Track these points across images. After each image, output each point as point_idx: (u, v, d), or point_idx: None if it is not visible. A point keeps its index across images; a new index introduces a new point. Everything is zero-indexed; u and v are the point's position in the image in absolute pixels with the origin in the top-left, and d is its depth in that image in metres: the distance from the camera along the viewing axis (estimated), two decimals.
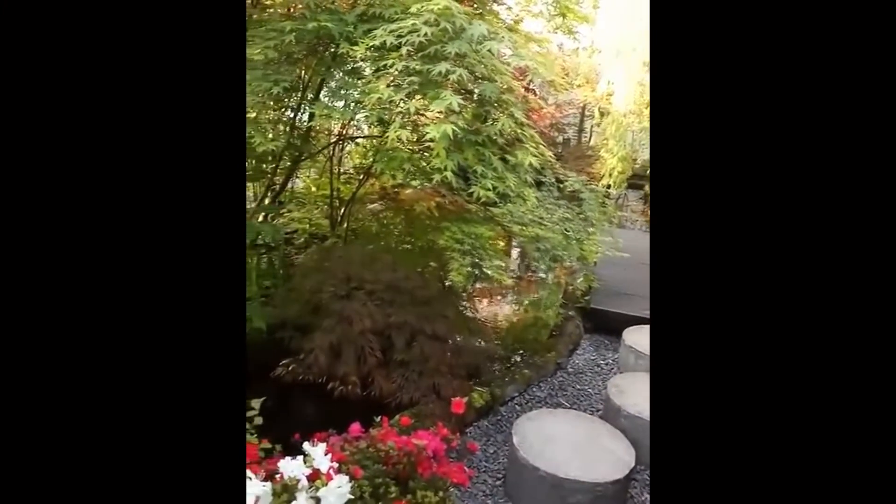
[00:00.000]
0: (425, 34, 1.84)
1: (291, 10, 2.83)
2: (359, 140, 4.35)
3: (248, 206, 4.92)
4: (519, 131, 2.20)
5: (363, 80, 2.18)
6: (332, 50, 2.64)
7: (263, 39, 2.16)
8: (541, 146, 2.41)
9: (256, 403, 1.83)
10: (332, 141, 4.11)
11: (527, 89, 3.74)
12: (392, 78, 1.97)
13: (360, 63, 2.36)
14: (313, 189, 5.01)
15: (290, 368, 2.75)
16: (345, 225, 4.31)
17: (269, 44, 2.13)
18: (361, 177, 4.17)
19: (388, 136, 2.05)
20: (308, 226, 4.62)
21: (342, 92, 2.37)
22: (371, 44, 1.96)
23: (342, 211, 4.35)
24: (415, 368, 2.76)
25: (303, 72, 2.89)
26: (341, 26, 2.14)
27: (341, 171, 4.52)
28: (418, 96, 2.00)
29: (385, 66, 1.96)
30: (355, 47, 2.03)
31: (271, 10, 3.04)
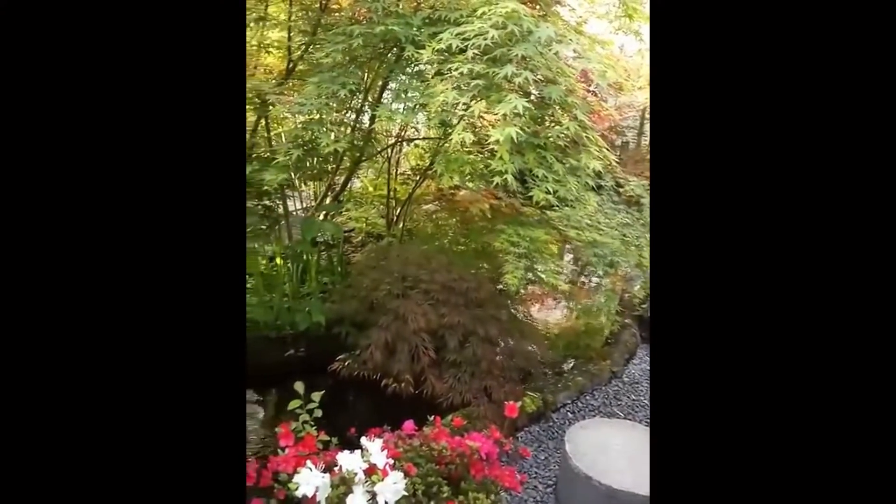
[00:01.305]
0: (492, 37, 1.85)
1: (356, 14, 2.91)
2: (417, 142, 4.40)
3: (309, 205, 5.09)
4: (584, 134, 2.17)
5: (426, 83, 2.21)
6: (397, 53, 2.69)
7: (332, 43, 2.23)
8: (604, 149, 2.37)
9: (317, 396, 1.89)
10: (391, 143, 4.18)
11: (588, 91, 3.68)
12: (456, 81, 1.99)
13: (424, 66, 2.39)
14: (370, 189, 5.11)
15: (346, 363, 2.82)
16: (400, 225, 4.38)
17: (338, 47, 2.20)
18: (418, 178, 4.22)
19: (449, 139, 2.06)
20: (365, 225, 4.72)
21: (405, 95, 2.41)
22: (437, 47, 1.99)
23: (398, 211, 4.42)
24: (467, 370, 2.77)
25: (366, 75, 2.96)
26: (407, 30, 2.17)
27: (398, 172, 4.60)
28: (481, 99, 2.01)
29: (450, 68, 1.98)
30: (421, 51, 2.06)
31: (337, 14, 3.13)
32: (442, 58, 2.06)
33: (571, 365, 3.53)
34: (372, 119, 3.28)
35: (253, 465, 1.73)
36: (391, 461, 1.68)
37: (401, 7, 2.45)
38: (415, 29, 2.18)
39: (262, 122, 3.35)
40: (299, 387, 1.89)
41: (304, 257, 3.59)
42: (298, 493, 1.52)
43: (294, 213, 4.26)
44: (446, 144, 2.92)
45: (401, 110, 2.96)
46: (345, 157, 3.38)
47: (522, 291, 3.83)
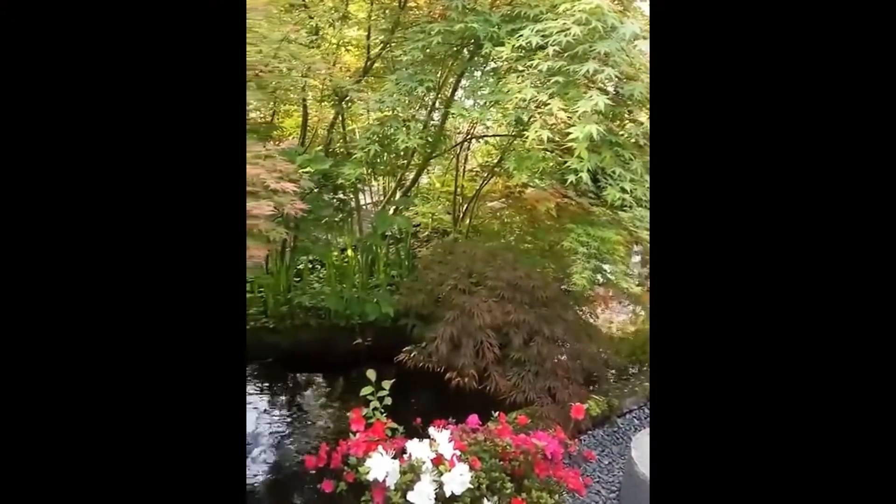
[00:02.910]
0: (574, 34, 1.82)
1: (432, 12, 2.94)
2: (485, 139, 4.41)
3: (377, 200, 5.22)
4: None
5: (501, 81, 2.21)
6: (472, 50, 2.70)
7: (412, 41, 2.28)
8: None
9: (387, 385, 1.94)
10: (462, 139, 4.21)
11: None
12: (534, 78, 1.98)
13: (499, 63, 2.39)
14: (437, 185, 5.17)
15: (411, 355, 2.88)
16: (466, 221, 4.40)
17: (417, 45, 2.24)
18: (485, 175, 4.23)
19: (525, 136, 2.06)
20: (431, 220, 4.79)
21: (480, 92, 2.42)
22: (517, 44, 1.98)
23: (464, 208, 4.45)
24: (531, 368, 2.75)
25: (440, 72, 3.00)
26: (486, 27, 2.18)
27: (465, 168, 4.63)
28: (559, 96, 1.98)
29: (529, 65, 1.97)
30: (500, 48, 2.06)
31: (415, 12, 3.18)
32: (520, 55, 2.06)
33: (637, 370, 3.43)
34: (444, 116, 3.32)
35: (323, 447, 1.81)
36: (457, 453, 1.71)
37: (478, 4, 2.46)
38: (494, 26, 2.19)
39: (339, 118, 3.47)
40: (371, 374, 1.95)
41: (375, 250, 3.69)
42: (369, 477, 1.58)
43: (363, 206, 4.38)
44: (519, 141, 2.91)
45: (473, 107, 2.98)
46: (416, 153, 3.44)
47: (589, 293, 3.76)
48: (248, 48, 2.22)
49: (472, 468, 1.69)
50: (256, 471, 2.54)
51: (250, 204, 1.59)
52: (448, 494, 1.58)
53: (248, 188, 1.71)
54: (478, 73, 2.72)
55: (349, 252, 3.81)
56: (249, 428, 2.85)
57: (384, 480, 1.59)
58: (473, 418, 2.02)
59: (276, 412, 3.03)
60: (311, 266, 4.02)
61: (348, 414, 1.87)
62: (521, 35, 1.99)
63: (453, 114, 2.52)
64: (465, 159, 4.62)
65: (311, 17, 2.97)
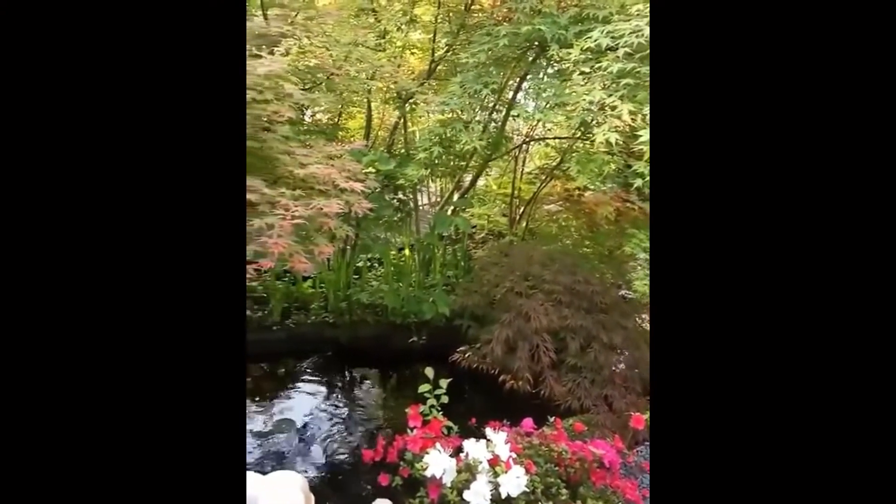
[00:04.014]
0: (646, 35, 1.78)
1: (495, 14, 2.95)
2: (544, 141, 4.37)
3: (434, 201, 5.28)
4: None
5: (569, 83, 2.19)
6: (536, 52, 2.69)
7: (477, 44, 2.29)
8: None
9: (444, 384, 1.97)
10: (522, 141, 4.19)
11: None
12: (603, 80, 1.95)
13: (567, 65, 2.37)
14: (494, 187, 5.17)
15: (466, 355, 2.90)
16: (523, 224, 4.38)
17: (483, 47, 2.25)
18: (544, 177, 4.19)
19: (591, 139, 2.03)
20: (487, 222, 4.79)
21: (544, 94, 2.40)
22: (585, 45, 1.96)
23: (522, 210, 4.43)
24: (587, 375, 2.71)
25: (504, 74, 3.00)
26: (554, 29, 2.17)
27: (523, 171, 4.60)
28: (628, 99, 1.95)
29: (597, 67, 1.94)
30: (569, 49, 2.04)
31: (479, 14, 3.20)
32: (588, 56, 2.03)
33: None
34: (505, 118, 3.32)
35: (380, 441, 1.85)
36: (513, 455, 1.70)
37: (545, 6, 2.44)
38: (562, 28, 2.17)
39: (402, 120, 3.53)
40: (429, 372, 1.98)
41: (432, 250, 3.73)
42: (427, 473, 1.60)
43: (420, 207, 4.44)
44: (583, 144, 2.86)
45: (535, 109, 2.96)
46: (475, 155, 3.46)
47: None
48: (322, 51, 2.31)
49: (527, 472, 1.69)
50: (312, 460, 2.63)
51: (322, 202, 1.65)
52: (504, 496, 1.58)
53: (320, 187, 1.78)
54: (542, 76, 2.70)
55: (406, 251, 3.88)
56: (306, 416, 2.95)
57: (441, 478, 1.60)
58: (528, 422, 2.01)
59: (333, 404, 3.12)
60: (369, 264, 4.12)
61: (406, 410, 1.91)
62: (590, 36, 1.96)
63: (516, 115, 2.51)
64: (524, 161, 4.60)
65: (378, 21, 3.04)
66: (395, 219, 3.51)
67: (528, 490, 1.65)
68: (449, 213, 3.78)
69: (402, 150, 3.64)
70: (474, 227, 4.56)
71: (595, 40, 1.93)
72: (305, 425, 2.89)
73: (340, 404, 3.13)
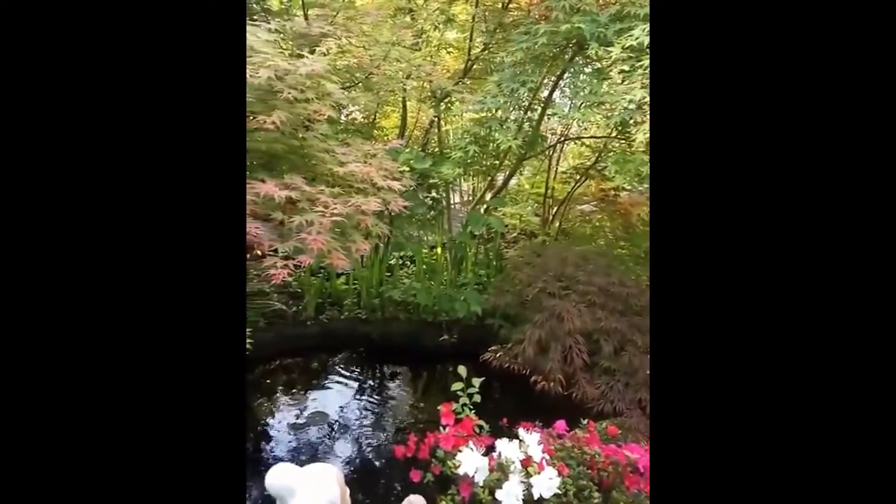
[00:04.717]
0: None
1: (531, 12, 2.93)
2: (579, 141, 4.32)
3: (467, 200, 5.28)
4: None
5: (608, 81, 2.16)
6: (574, 50, 2.66)
7: (515, 42, 2.28)
8: None
9: (477, 382, 1.97)
10: (556, 140, 4.16)
11: None
12: (643, 78, 1.91)
13: (605, 63, 2.34)
14: (527, 186, 5.14)
15: (497, 355, 2.89)
16: (556, 224, 4.34)
17: (521, 46, 2.24)
18: (579, 177, 4.14)
19: (628, 138, 2.00)
20: (519, 222, 4.77)
21: (583, 92, 2.38)
22: (626, 44, 1.93)
23: (555, 210, 4.39)
24: (621, 378, 2.67)
25: (541, 73, 2.97)
26: (593, 27, 2.14)
27: (557, 170, 4.56)
28: None
29: (639, 66, 1.91)
30: (609, 48, 2.01)
31: (516, 13, 3.18)
32: (629, 55, 2.00)
33: None
34: (540, 117, 3.30)
35: (412, 437, 1.87)
36: (546, 457, 1.69)
37: (584, 4, 2.41)
38: (602, 26, 2.14)
39: (436, 119, 3.55)
40: (462, 371, 1.98)
41: (464, 248, 3.74)
42: (459, 471, 1.61)
43: (452, 206, 4.45)
44: (620, 144, 2.82)
45: (571, 108, 2.93)
46: (509, 154, 3.44)
47: None
48: (360, 51, 2.34)
49: (559, 474, 1.67)
50: (343, 454, 2.67)
51: (360, 200, 1.67)
52: (536, 497, 1.58)
53: (358, 185, 1.80)
54: (579, 74, 2.67)
55: (438, 249, 3.89)
56: (337, 411, 2.99)
57: (473, 476, 1.61)
58: (561, 423, 1.99)
59: (364, 399, 3.16)
60: (401, 262, 4.15)
61: (438, 408, 1.92)
62: (632, 34, 1.93)
63: (553, 114, 2.49)
64: (558, 161, 4.56)
65: (414, 20, 3.06)
66: (428, 217, 3.53)
67: (560, 492, 1.63)
68: (482, 212, 3.77)
69: (436, 149, 3.65)
70: (506, 226, 4.54)
71: (636, 38, 1.90)
72: (337, 419, 2.93)
73: (371, 400, 3.17)
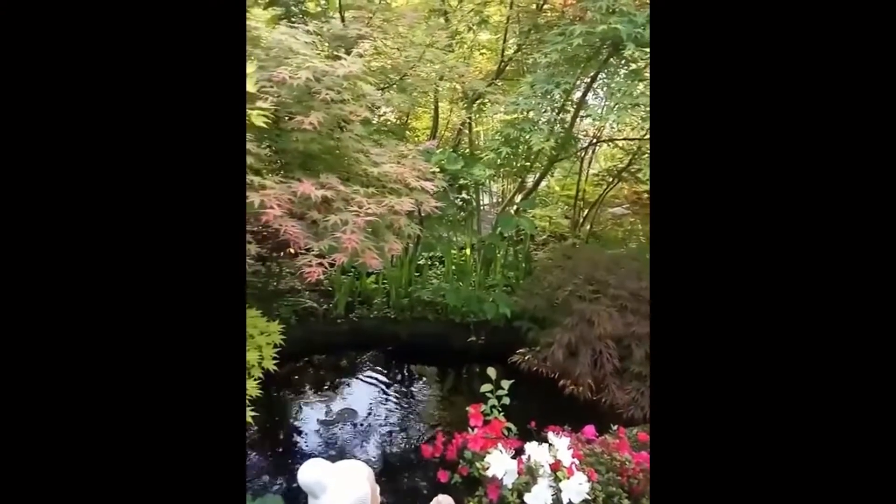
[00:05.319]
0: None
1: (565, 13, 2.90)
2: (612, 143, 4.26)
3: (496, 201, 5.26)
4: None
5: (644, 82, 2.12)
6: (609, 52, 2.63)
7: (550, 43, 2.26)
8: None
9: (506, 384, 1.96)
10: (589, 142, 4.11)
11: None
12: None
13: (642, 64, 2.30)
14: (557, 189, 5.10)
15: (525, 358, 2.88)
16: (587, 227, 4.29)
17: (556, 47, 2.22)
18: (611, 179, 4.09)
19: None
20: (548, 224, 4.74)
21: (618, 94, 2.35)
22: None
23: (585, 212, 4.34)
24: None
25: (575, 74, 2.95)
26: (630, 28, 2.11)
27: (588, 173, 4.51)
28: None
29: None
30: (645, 49, 1.98)
31: (550, 14, 3.16)
32: None
33: None
34: (573, 118, 3.27)
35: (439, 437, 1.87)
36: (575, 462, 1.68)
37: (621, 4, 2.38)
38: (639, 27, 2.11)
39: (469, 120, 3.55)
40: (492, 372, 1.98)
41: (494, 250, 3.73)
42: (488, 473, 1.61)
43: (481, 207, 4.45)
44: None
45: (605, 109, 2.90)
46: (540, 155, 3.42)
47: None
48: (395, 53, 2.36)
49: (588, 479, 1.66)
50: (370, 451, 2.69)
51: (394, 200, 1.69)
52: (565, 502, 1.56)
53: (391, 185, 1.82)
54: (615, 76, 2.64)
55: (467, 251, 3.89)
56: (365, 408, 3.02)
57: (501, 479, 1.60)
58: (590, 429, 1.97)
59: (391, 398, 3.18)
60: (429, 262, 4.17)
61: (467, 409, 1.92)
62: None
63: (587, 116, 2.46)
64: (589, 163, 4.51)
65: (448, 22, 3.07)
66: (458, 218, 3.53)
67: (589, 498, 1.62)
68: (511, 213, 3.76)
69: (467, 150, 3.65)
70: (537, 228, 4.51)
71: None
72: (365, 417, 2.96)
73: (399, 399, 3.19)
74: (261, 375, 1.76)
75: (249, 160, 1.54)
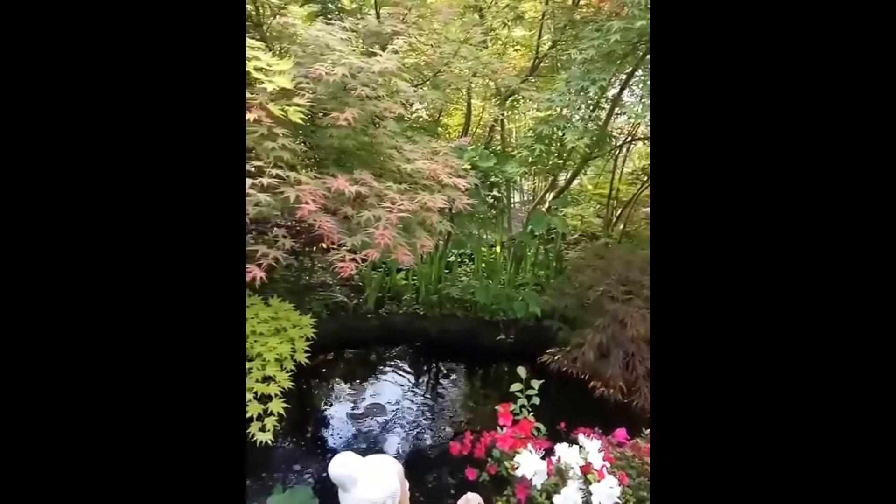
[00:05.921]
0: None
1: (600, 9, 2.85)
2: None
3: (527, 199, 5.22)
4: None
5: None
6: (647, 48, 2.57)
7: (587, 40, 2.22)
8: None
9: (536, 384, 1.95)
10: (624, 140, 4.04)
11: None
12: None
13: None
14: (589, 187, 5.03)
15: (555, 358, 2.85)
16: (620, 226, 4.22)
17: (593, 43, 2.18)
18: (646, 178, 4.00)
19: None
20: (580, 223, 4.67)
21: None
22: None
23: (619, 212, 4.27)
24: None
25: (610, 71, 2.89)
26: None
27: (622, 171, 4.43)
28: None
29: None
30: None
31: (585, 11, 3.10)
32: None
33: None
34: (608, 116, 3.21)
35: (468, 435, 1.87)
36: (606, 465, 1.65)
37: None
38: None
39: (502, 117, 3.53)
40: (521, 372, 1.96)
41: (524, 248, 3.70)
42: (517, 473, 1.59)
43: (512, 205, 4.41)
44: None
45: (641, 107, 2.83)
46: (573, 153, 3.38)
47: None
48: (430, 49, 2.36)
49: (619, 483, 1.63)
50: (397, 446, 2.71)
51: (426, 197, 1.69)
52: None
53: (424, 182, 1.82)
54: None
55: (497, 249, 3.87)
56: (393, 403, 3.04)
57: (531, 479, 1.59)
58: (621, 432, 1.94)
59: (419, 393, 3.19)
60: (459, 259, 4.16)
61: (496, 408, 1.91)
62: None
63: (623, 113, 2.42)
64: (623, 161, 4.43)
65: (483, 18, 3.05)
66: (489, 215, 3.52)
67: (619, 502, 1.59)
68: (543, 211, 3.72)
69: (499, 148, 3.63)
70: (569, 227, 4.46)
71: None
72: (393, 412, 2.98)
73: (426, 395, 3.20)
74: (293, 368, 1.79)
75: (285, 155, 1.57)
